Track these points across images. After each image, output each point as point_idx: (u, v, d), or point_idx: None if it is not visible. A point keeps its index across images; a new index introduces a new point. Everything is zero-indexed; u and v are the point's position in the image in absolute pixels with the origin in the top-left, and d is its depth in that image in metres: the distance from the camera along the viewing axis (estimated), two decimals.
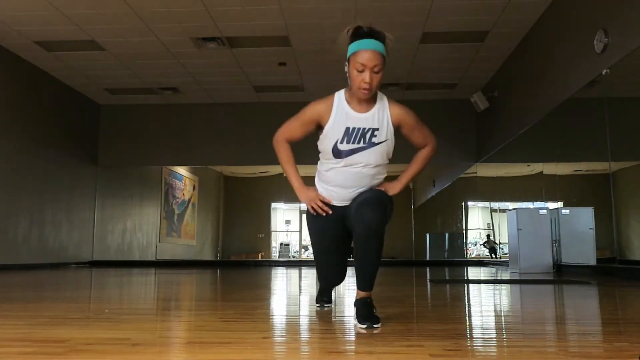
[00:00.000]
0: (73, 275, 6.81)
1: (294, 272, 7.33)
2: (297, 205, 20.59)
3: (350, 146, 2.29)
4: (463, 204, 13.33)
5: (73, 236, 10.81)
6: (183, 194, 16.67)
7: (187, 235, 17.00)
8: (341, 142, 2.29)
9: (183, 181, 16.71)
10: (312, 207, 2.41)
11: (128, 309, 2.87)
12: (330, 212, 2.41)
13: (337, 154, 2.30)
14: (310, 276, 6.34)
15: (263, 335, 1.99)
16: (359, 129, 2.30)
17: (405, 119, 2.38)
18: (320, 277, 2.68)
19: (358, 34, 2.24)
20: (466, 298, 3.47)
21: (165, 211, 15.37)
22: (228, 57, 9.20)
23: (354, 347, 1.78)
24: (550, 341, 1.87)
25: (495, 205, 11.27)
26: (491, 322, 2.37)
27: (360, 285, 2.31)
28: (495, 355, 1.61)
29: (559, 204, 7.54)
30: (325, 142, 2.31)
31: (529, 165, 9.10)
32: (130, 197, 13.41)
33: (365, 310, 2.20)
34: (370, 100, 2.31)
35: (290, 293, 3.91)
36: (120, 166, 12.38)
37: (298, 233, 21.78)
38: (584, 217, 6.87)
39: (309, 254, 22.35)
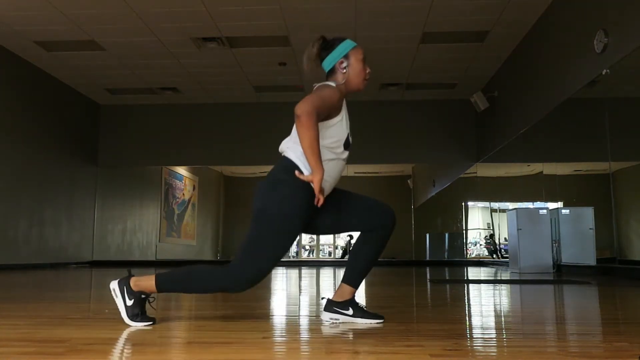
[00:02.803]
0: (73, 275, 6.81)
1: (293, 272, 7.33)
2: None
3: (351, 140, 2.32)
4: (463, 204, 13.32)
5: (73, 236, 10.81)
6: (183, 194, 16.67)
7: (187, 235, 17.00)
8: (350, 135, 2.30)
9: (183, 181, 16.71)
10: (319, 199, 2.16)
11: None
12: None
13: (347, 145, 2.28)
14: (310, 276, 6.34)
15: (263, 335, 1.99)
16: (349, 125, 2.35)
17: None
18: (259, 272, 2.18)
19: (332, 40, 2.38)
20: (466, 298, 3.47)
21: (165, 211, 15.37)
22: (228, 57, 9.20)
23: (354, 347, 1.78)
24: (550, 341, 1.87)
25: (495, 205, 11.26)
26: (491, 322, 2.37)
27: (359, 284, 2.36)
28: (495, 355, 1.61)
29: (559, 204, 7.53)
30: (340, 132, 2.24)
31: (529, 165, 9.10)
32: (130, 197, 13.42)
33: (365, 309, 2.34)
34: None
35: (290, 293, 3.91)
36: (120, 166, 12.39)
37: None
38: (584, 217, 6.87)
39: (309, 254, 22.35)
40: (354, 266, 2.33)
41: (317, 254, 21.93)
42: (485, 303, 3.17)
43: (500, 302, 3.27)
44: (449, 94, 11.20)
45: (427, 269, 8.73)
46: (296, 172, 2.14)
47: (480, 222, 12.73)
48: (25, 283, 5.04)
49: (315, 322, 2.37)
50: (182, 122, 11.93)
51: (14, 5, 7.29)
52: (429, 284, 4.96)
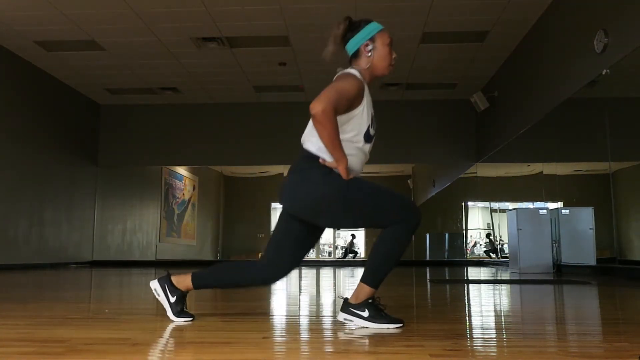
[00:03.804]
0: (73, 275, 6.81)
1: (293, 272, 7.33)
2: None
3: (374, 132, 2.24)
4: (463, 204, 13.32)
5: (73, 236, 10.81)
6: (183, 194, 16.67)
7: (187, 235, 17.00)
8: (372, 127, 2.22)
9: (183, 181, 16.70)
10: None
11: (128, 309, 2.87)
12: None
13: (368, 138, 2.21)
14: (310, 276, 6.34)
15: (263, 335, 1.99)
16: (374, 114, 2.27)
17: None
18: (411, 206, 2.21)
19: (358, 21, 2.31)
20: (466, 298, 3.47)
21: (165, 211, 15.36)
22: (228, 57, 9.20)
23: (354, 347, 1.78)
24: (550, 341, 1.87)
25: (495, 205, 11.26)
26: (491, 322, 2.37)
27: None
28: (495, 355, 1.61)
29: (559, 204, 7.53)
30: (360, 124, 2.18)
31: (529, 165, 9.10)
32: (130, 197, 13.42)
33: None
34: None
35: (290, 293, 3.91)
36: (120, 166, 12.39)
37: None
38: (584, 217, 6.86)
39: (307, 254, 22.34)
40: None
41: (317, 254, 21.94)
42: (485, 303, 3.17)
43: (500, 302, 3.27)
44: (449, 94, 11.20)
45: (427, 269, 8.73)
46: (320, 160, 2.14)
47: (480, 222, 12.73)
48: (25, 283, 5.04)
49: (315, 322, 2.37)
50: (182, 122, 11.93)
51: (14, 5, 7.29)
52: (429, 284, 4.96)
